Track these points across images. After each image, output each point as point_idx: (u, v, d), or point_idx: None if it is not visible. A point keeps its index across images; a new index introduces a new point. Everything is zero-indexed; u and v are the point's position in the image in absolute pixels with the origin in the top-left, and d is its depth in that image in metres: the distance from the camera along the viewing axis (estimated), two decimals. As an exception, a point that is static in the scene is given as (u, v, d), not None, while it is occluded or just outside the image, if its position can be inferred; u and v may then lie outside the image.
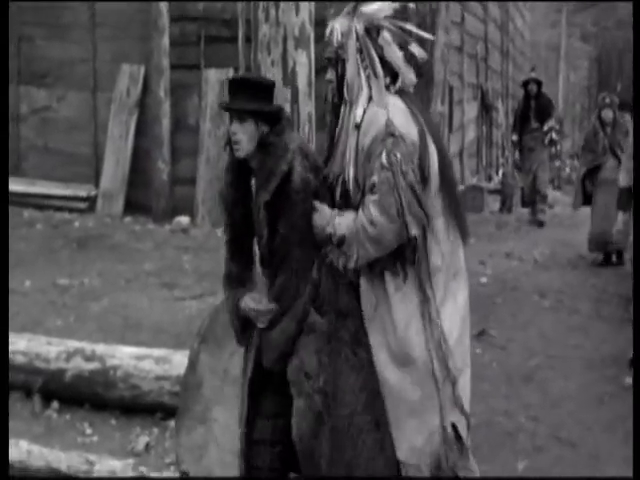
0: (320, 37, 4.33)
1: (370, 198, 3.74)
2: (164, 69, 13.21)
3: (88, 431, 6.32)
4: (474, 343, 7.52)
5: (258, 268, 4.11)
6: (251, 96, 3.92)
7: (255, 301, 3.94)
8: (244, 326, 4.02)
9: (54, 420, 6.46)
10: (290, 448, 3.93)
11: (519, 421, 6.22)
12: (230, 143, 3.96)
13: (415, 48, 3.99)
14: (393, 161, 3.70)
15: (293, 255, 3.86)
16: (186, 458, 4.62)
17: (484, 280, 9.44)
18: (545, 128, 13.20)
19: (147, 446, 6.00)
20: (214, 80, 13.21)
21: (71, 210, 13.28)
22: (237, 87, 3.97)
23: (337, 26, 3.99)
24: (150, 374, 6.37)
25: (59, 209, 13.27)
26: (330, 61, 4.00)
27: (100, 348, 6.67)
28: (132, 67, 13.67)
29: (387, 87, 3.90)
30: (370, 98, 3.87)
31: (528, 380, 6.97)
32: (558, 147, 14.23)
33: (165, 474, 5.44)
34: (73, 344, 6.75)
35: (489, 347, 7.58)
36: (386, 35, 3.95)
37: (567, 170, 25.68)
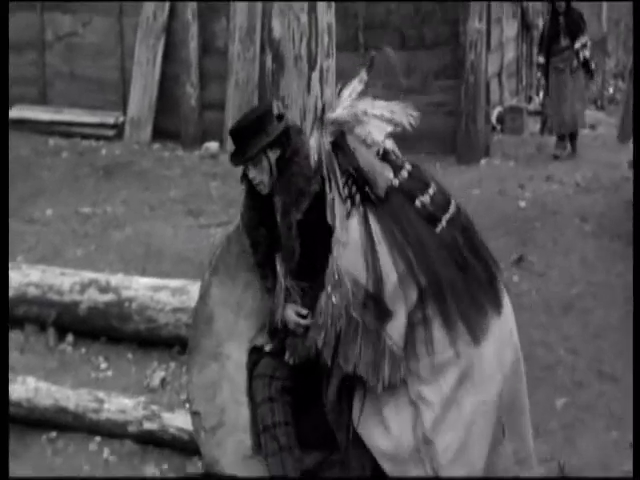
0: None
1: None
2: (191, -9, 12.77)
3: (103, 366, 6.08)
4: (512, 270, 7.19)
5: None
6: (254, 135, 3.91)
7: (298, 315, 4.06)
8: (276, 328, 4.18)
9: (69, 354, 6.22)
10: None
11: (558, 354, 5.90)
12: (246, 177, 4.00)
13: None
14: (329, 304, 3.63)
15: None
16: (197, 397, 4.30)
17: (523, 204, 9.01)
18: (577, 45, 12.04)
19: (163, 382, 5.78)
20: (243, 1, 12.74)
21: (98, 138, 12.91)
22: (238, 136, 3.96)
23: (313, 145, 3.72)
24: (167, 306, 6.09)
25: (86, 137, 12.91)
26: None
27: (115, 279, 6.38)
28: (158, -10, 13.23)
29: (354, 199, 3.63)
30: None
31: (568, 309, 6.64)
32: (593, 66, 12.78)
33: (177, 412, 5.19)
34: (87, 275, 6.48)
35: (527, 274, 7.23)
36: (357, 134, 3.64)
37: (610, 90, 24.96)
